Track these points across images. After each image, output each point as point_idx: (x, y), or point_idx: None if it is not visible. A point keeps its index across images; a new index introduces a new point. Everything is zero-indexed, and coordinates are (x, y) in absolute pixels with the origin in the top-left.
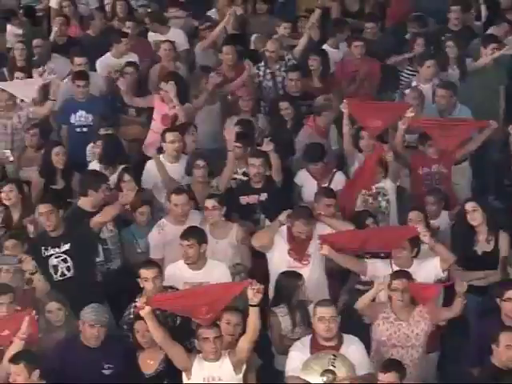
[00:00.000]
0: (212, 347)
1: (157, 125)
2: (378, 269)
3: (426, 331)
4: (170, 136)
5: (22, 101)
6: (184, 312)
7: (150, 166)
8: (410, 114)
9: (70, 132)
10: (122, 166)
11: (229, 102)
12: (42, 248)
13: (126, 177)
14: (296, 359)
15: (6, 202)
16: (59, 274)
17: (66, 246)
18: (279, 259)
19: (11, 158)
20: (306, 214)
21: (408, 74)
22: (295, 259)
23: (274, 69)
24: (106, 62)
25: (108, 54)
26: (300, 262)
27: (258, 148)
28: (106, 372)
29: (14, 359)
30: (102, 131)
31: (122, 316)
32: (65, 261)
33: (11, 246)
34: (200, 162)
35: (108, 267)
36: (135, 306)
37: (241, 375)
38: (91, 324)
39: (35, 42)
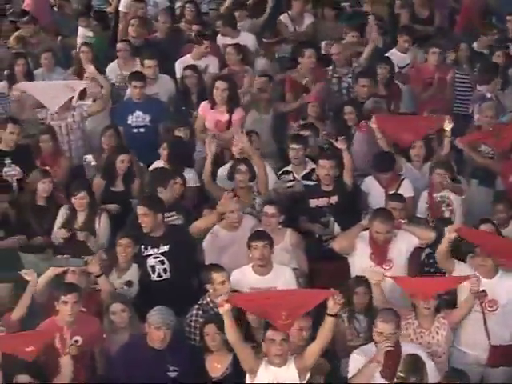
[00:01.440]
0: (278, 349)
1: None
2: (464, 273)
3: (446, 337)
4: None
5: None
6: (263, 314)
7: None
8: (448, 126)
9: (126, 133)
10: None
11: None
12: (142, 247)
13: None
14: (358, 362)
15: (77, 208)
16: (156, 274)
17: (165, 248)
18: (360, 263)
19: (93, 163)
20: (385, 213)
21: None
22: (377, 264)
23: (341, 73)
24: (186, 62)
25: (188, 55)
26: (381, 266)
27: (333, 146)
28: (172, 374)
29: None
30: (177, 132)
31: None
32: (162, 262)
33: (125, 244)
34: (242, 167)
35: None
36: (198, 308)
37: (304, 382)
38: (157, 327)
39: (118, 46)
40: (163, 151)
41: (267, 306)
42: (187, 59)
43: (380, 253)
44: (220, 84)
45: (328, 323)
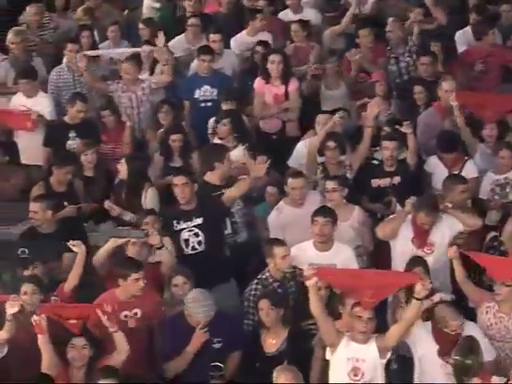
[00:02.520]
0: (363, 326)
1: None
2: None
3: None
4: (320, 118)
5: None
6: (347, 290)
7: (301, 146)
8: None
9: (193, 107)
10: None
11: (360, 86)
12: (174, 222)
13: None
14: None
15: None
16: (190, 247)
17: (198, 220)
18: (402, 247)
19: None
20: (430, 204)
21: None
22: (418, 247)
23: (398, 53)
24: (241, 39)
25: (243, 31)
26: (423, 250)
27: (396, 129)
28: (217, 346)
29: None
30: (224, 105)
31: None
32: (196, 235)
33: (151, 222)
34: (331, 144)
35: (235, 240)
36: (258, 283)
37: (385, 361)
38: (198, 321)
39: (191, 21)
40: (223, 127)
41: (354, 282)
42: (242, 36)
43: (422, 237)
44: (275, 57)
45: (414, 307)
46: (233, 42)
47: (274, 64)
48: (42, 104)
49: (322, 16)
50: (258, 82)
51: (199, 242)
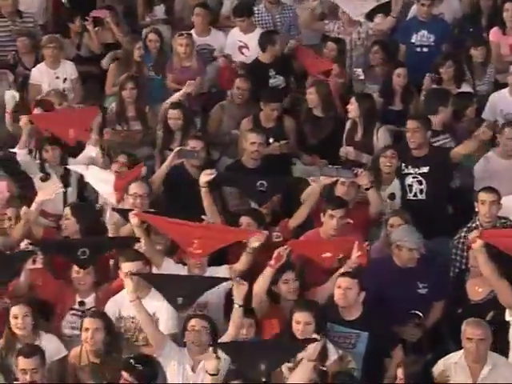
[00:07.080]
0: None
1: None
2: None
3: None
4: None
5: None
6: None
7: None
8: None
9: (408, 51)
10: None
11: None
12: (403, 165)
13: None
14: None
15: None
16: (412, 194)
17: (425, 169)
18: None
19: (361, 77)
20: None
21: None
22: None
23: None
24: None
25: None
26: None
27: None
28: (422, 291)
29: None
30: (472, 51)
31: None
32: (420, 183)
33: (390, 156)
34: None
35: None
36: (467, 231)
37: None
38: (411, 248)
39: None
40: (447, 69)
41: None
42: None
43: None
44: (510, 5)
45: None
46: None
47: (508, 12)
48: (255, 40)
49: None
50: (495, 32)
51: (421, 191)
